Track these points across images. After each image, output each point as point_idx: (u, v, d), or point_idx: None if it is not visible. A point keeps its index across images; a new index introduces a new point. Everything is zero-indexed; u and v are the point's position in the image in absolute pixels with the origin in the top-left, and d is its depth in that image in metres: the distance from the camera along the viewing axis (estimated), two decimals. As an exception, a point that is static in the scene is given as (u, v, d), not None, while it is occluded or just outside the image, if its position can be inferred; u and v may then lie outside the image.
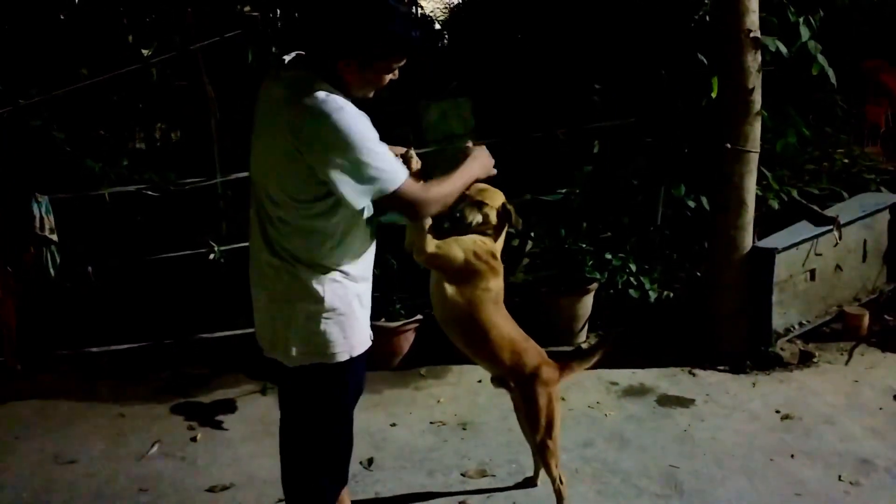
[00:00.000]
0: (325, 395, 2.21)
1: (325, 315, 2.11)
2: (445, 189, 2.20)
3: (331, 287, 2.10)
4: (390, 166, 2.02)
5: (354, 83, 2.05)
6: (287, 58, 2.14)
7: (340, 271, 2.12)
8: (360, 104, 2.06)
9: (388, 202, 2.06)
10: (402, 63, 2.07)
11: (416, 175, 2.33)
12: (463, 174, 2.29)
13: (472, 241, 2.69)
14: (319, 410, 2.22)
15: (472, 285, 2.71)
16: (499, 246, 2.77)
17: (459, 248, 2.66)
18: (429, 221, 2.60)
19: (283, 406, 2.28)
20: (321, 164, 1.96)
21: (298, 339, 2.11)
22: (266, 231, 2.12)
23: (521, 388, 2.87)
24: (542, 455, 2.91)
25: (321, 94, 1.97)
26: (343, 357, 2.15)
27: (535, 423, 2.86)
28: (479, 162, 2.37)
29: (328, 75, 2.02)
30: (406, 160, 2.42)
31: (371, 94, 2.13)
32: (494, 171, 2.43)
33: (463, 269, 2.68)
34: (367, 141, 1.98)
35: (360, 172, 1.97)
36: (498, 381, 2.95)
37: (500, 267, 2.77)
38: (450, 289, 2.71)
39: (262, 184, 2.11)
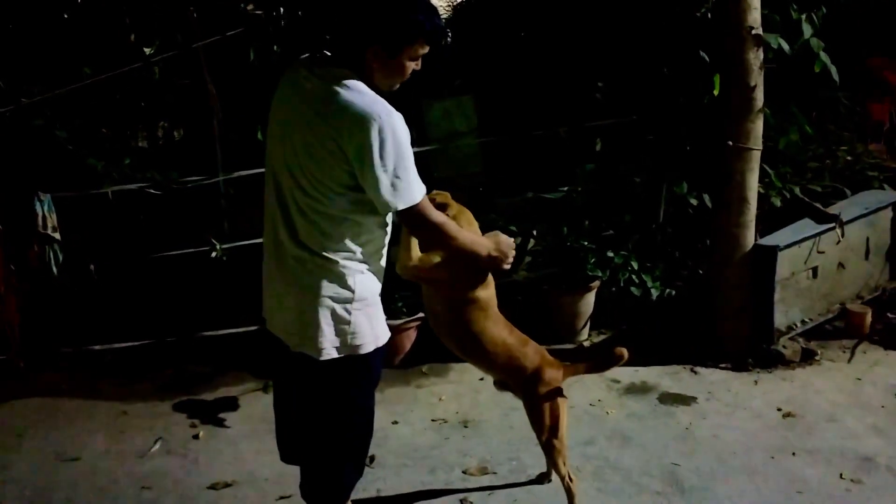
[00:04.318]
0: (352, 386, 2.25)
1: (355, 306, 2.15)
2: (451, 229, 2.26)
3: (360, 278, 2.16)
4: (417, 178, 2.10)
5: (382, 74, 2.11)
6: (305, 56, 2.20)
7: (367, 263, 2.18)
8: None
9: (404, 214, 2.12)
10: (426, 50, 2.13)
11: None
12: (471, 236, 2.40)
13: None
14: (346, 401, 2.25)
15: (459, 295, 2.70)
16: None
17: (440, 259, 2.63)
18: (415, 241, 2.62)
19: (305, 400, 2.29)
20: (360, 164, 2.02)
21: (329, 331, 2.14)
22: (294, 224, 2.14)
23: (522, 389, 2.87)
24: (548, 454, 2.91)
25: (369, 95, 2.04)
26: (370, 348, 2.21)
27: (540, 424, 2.85)
28: (493, 242, 2.45)
29: (359, 71, 2.08)
30: None
31: (397, 87, 2.19)
32: (505, 265, 2.48)
33: (448, 281, 2.67)
34: (406, 149, 2.05)
35: (396, 179, 2.03)
36: (501, 384, 2.96)
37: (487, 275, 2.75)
38: (438, 300, 2.72)
39: (292, 176, 2.12)
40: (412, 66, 2.14)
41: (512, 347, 2.82)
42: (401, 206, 2.08)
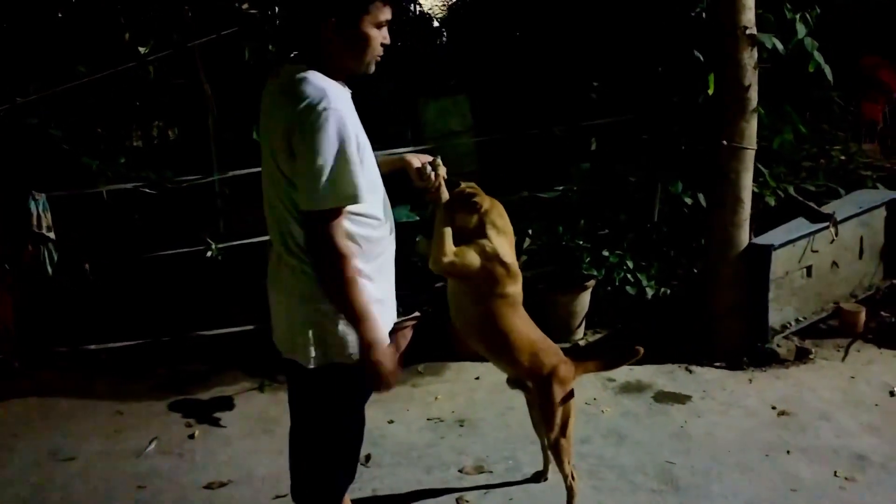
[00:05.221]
0: (343, 394, 2.19)
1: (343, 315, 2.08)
2: (350, 271, 1.96)
3: None
4: (345, 182, 1.91)
5: (347, 52, 1.99)
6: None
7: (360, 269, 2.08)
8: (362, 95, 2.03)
9: (306, 216, 1.95)
10: (389, 16, 2.00)
11: (439, 185, 2.40)
12: (367, 307, 2.01)
13: (478, 245, 2.66)
14: (337, 409, 2.20)
15: (490, 291, 2.68)
16: (500, 245, 2.69)
17: (475, 254, 2.63)
18: (448, 232, 2.59)
19: (296, 405, 2.26)
20: (288, 151, 1.93)
21: (317, 340, 2.07)
22: (283, 230, 2.07)
23: (539, 387, 2.85)
24: (555, 453, 2.90)
25: (313, 85, 1.92)
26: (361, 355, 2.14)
27: (551, 422, 2.84)
28: (388, 354, 2.07)
29: (320, 61, 1.99)
30: (434, 167, 2.43)
31: (371, 68, 2.07)
32: (385, 387, 2.10)
33: (480, 275, 2.65)
34: (339, 147, 1.90)
35: (311, 174, 1.90)
36: (514, 382, 2.94)
37: (516, 269, 2.73)
38: (468, 296, 2.70)
39: (273, 184, 2.06)
40: (379, 36, 2.01)
41: (535, 344, 2.82)
42: (304, 206, 1.90)
